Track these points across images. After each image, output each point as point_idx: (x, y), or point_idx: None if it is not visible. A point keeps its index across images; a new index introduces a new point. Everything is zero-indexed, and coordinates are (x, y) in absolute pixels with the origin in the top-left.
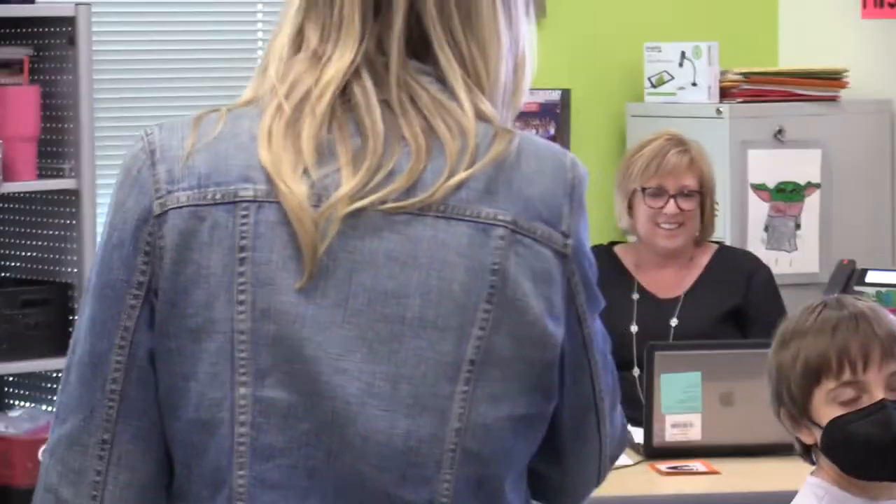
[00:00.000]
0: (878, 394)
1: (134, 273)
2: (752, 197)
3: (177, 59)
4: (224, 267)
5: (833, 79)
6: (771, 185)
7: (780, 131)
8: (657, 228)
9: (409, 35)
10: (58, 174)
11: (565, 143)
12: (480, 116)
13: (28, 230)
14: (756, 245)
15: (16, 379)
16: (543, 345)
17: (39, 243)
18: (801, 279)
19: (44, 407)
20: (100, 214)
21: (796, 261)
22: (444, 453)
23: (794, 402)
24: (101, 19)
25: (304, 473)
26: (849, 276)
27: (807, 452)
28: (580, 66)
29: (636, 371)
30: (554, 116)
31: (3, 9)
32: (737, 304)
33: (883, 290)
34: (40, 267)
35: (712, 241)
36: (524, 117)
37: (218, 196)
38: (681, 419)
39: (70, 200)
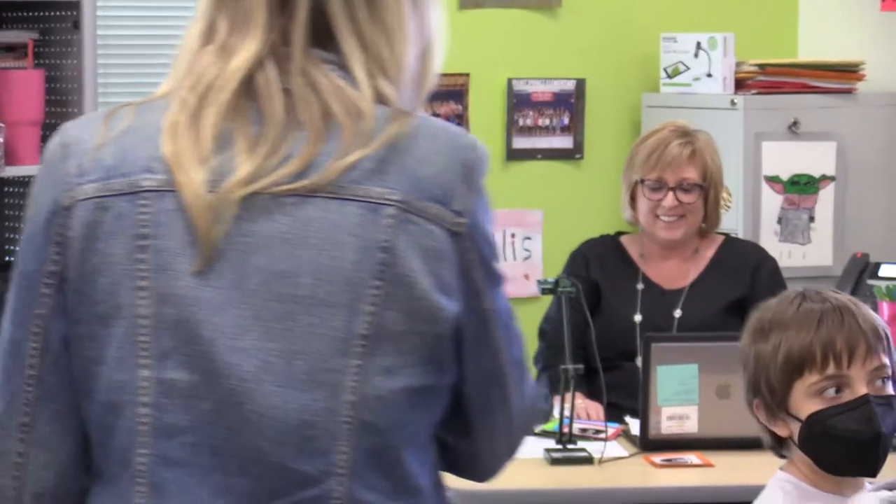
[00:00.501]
0: (861, 389)
1: (45, 263)
2: (766, 189)
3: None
4: (126, 255)
5: (849, 71)
6: (785, 177)
7: (794, 123)
8: (657, 220)
9: (314, 25)
10: None
11: (580, 132)
12: (381, 100)
13: None
14: (769, 237)
15: None
16: (434, 319)
17: None
18: (815, 272)
19: None
20: None
21: (810, 253)
22: (338, 426)
23: (773, 394)
24: (107, 3)
25: (207, 451)
26: (862, 270)
27: (778, 445)
28: (595, 55)
29: (639, 361)
30: (568, 106)
31: None
32: (742, 295)
33: (894, 283)
34: None
35: (719, 233)
36: (538, 107)
37: (121, 187)
38: (677, 411)
39: None
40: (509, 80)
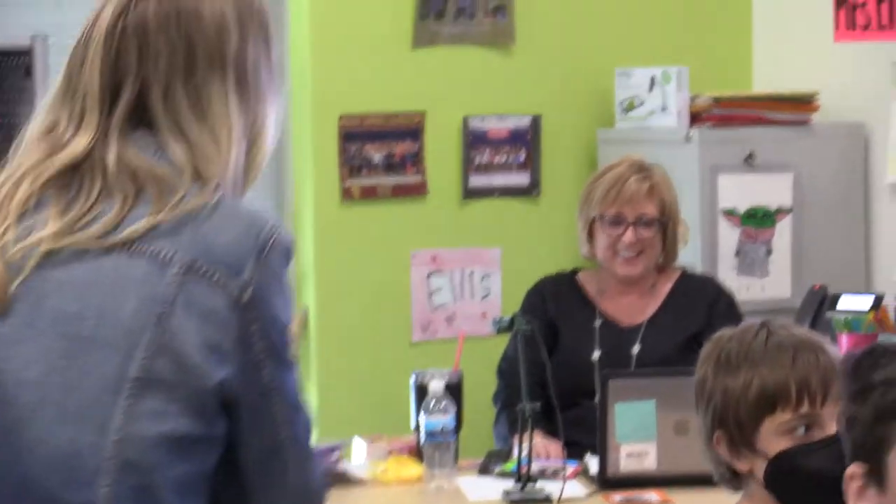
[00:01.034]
0: (832, 428)
1: None
2: (723, 222)
3: None
4: None
5: (804, 102)
6: (741, 210)
7: (750, 156)
8: (616, 256)
9: (142, 120)
10: None
11: (536, 169)
12: (198, 179)
13: None
14: (727, 271)
15: None
16: (199, 375)
17: None
18: (773, 305)
19: None
20: None
21: (768, 286)
22: (103, 461)
23: (741, 429)
24: (59, 50)
25: None
26: (821, 302)
27: (734, 479)
28: (550, 91)
29: (598, 399)
30: (525, 143)
31: None
32: (699, 330)
33: (852, 316)
34: None
35: (676, 268)
36: (495, 144)
37: None
38: (635, 448)
39: None
40: (465, 118)
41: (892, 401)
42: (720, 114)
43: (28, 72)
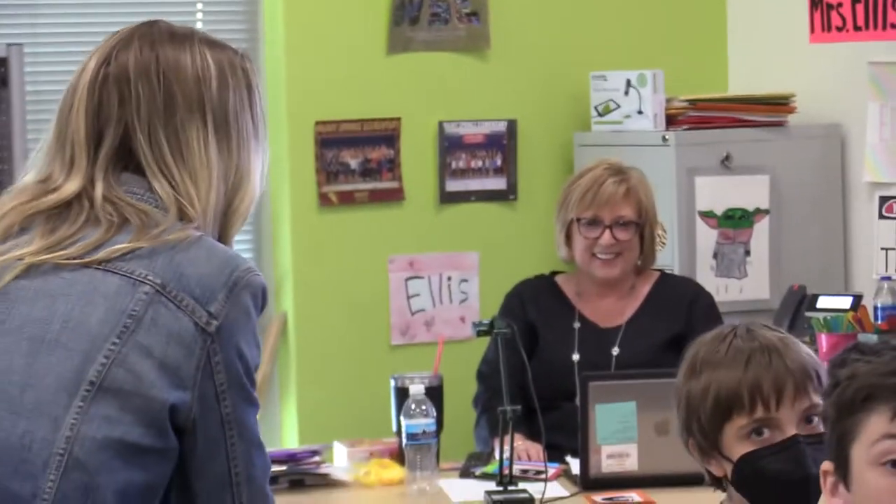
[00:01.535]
0: (791, 430)
1: None
2: (700, 224)
3: None
4: None
5: (780, 104)
6: (719, 212)
7: (727, 158)
8: (593, 258)
9: (128, 162)
10: None
11: (513, 173)
12: (182, 217)
13: None
14: (706, 272)
15: None
16: (153, 392)
17: None
18: (752, 306)
19: None
20: None
21: (747, 287)
22: (52, 456)
23: (705, 436)
24: (35, 59)
25: None
26: (799, 302)
27: (717, 482)
28: (526, 96)
29: (578, 401)
30: (501, 147)
31: None
32: (679, 331)
33: (832, 315)
34: None
35: (654, 269)
36: (470, 149)
37: None
38: (617, 450)
39: None
40: (440, 123)
41: (852, 395)
42: (696, 116)
43: (4, 81)
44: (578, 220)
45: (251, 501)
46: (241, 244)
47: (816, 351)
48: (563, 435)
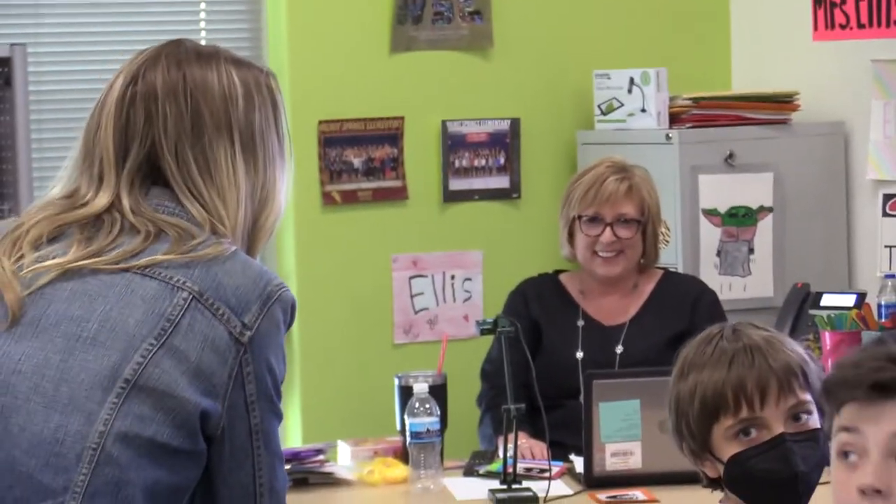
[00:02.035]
0: (778, 428)
1: None
2: (704, 222)
3: None
4: None
5: (784, 102)
6: (722, 210)
7: (730, 156)
8: (595, 256)
9: (155, 180)
10: None
11: (516, 171)
12: (215, 233)
13: None
14: (709, 271)
15: None
16: (186, 395)
17: None
18: (756, 304)
19: None
20: None
21: (750, 285)
22: (85, 450)
23: (694, 438)
24: (38, 59)
25: None
26: (803, 300)
27: (713, 482)
28: (529, 94)
29: (583, 398)
30: (504, 146)
31: None
32: (683, 329)
33: (835, 313)
34: None
35: (658, 268)
36: (474, 147)
37: None
38: (621, 448)
39: None
40: (443, 122)
41: (829, 379)
42: (700, 114)
43: (8, 81)
44: (580, 217)
45: None
46: None
47: (820, 349)
48: (567, 433)
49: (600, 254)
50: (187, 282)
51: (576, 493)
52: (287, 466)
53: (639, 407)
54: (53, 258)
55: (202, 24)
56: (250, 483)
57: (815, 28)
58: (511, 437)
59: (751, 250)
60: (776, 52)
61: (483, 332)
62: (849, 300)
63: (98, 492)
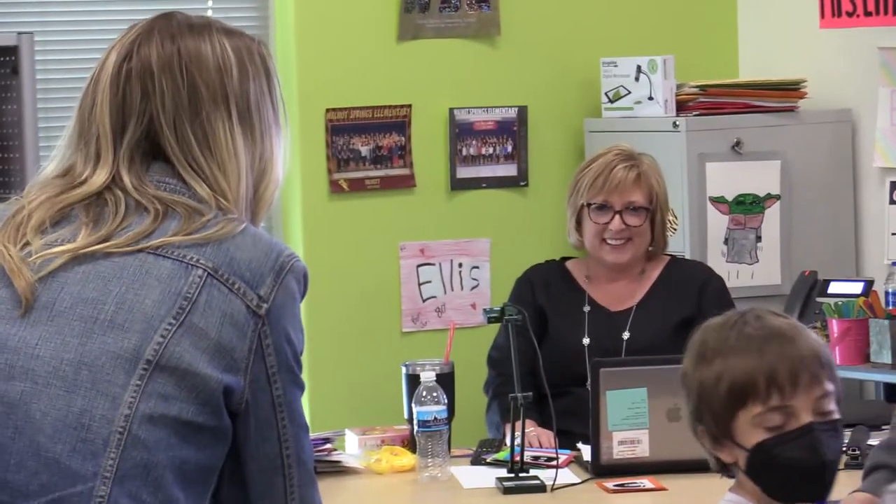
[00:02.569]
0: (806, 417)
1: None
2: (712, 210)
3: None
4: None
5: (791, 89)
6: (730, 197)
7: (738, 143)
8: (604, 244)
9: (154, 157)
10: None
11: (523, 160)
12: (221, 210)
13: None
14: (717, 258)
15: None
16: (210, 370)
17: None
18: (764, 291)
19: None
20: None
21: (758, 273)
22: (112, 434)
23: (717, 423)
24: (46, 47)
25: None
26: (811, 288)
27: (724, 468)
28: (536, 82)
29: (590, 385)
30: (511, 134)
31: None
32: (690, 315)
33: (843, 300)
34: None
35: (665, 254)
36: (481, 135)
37: None
38: (628, 436)
39: None
40: (451, 110)
41: None
42: (707, 102)
43: (15, 70)
44: (589, 205)
45: (301, 484)
46: None
47: (827, 336)
48: (575, 420)
49: (609, 241)
50: (201, 259)
51: (583, 482)
52: None
53: (646, 395)
54: (62, 244)
55: (209, 13)
56: (277, 456)
57: (822, 15)
58: (518, 425)
59: (758, 238)
60: (783, 39)
61: (490, 321)
62: (856, 288)
63: (128, 475)
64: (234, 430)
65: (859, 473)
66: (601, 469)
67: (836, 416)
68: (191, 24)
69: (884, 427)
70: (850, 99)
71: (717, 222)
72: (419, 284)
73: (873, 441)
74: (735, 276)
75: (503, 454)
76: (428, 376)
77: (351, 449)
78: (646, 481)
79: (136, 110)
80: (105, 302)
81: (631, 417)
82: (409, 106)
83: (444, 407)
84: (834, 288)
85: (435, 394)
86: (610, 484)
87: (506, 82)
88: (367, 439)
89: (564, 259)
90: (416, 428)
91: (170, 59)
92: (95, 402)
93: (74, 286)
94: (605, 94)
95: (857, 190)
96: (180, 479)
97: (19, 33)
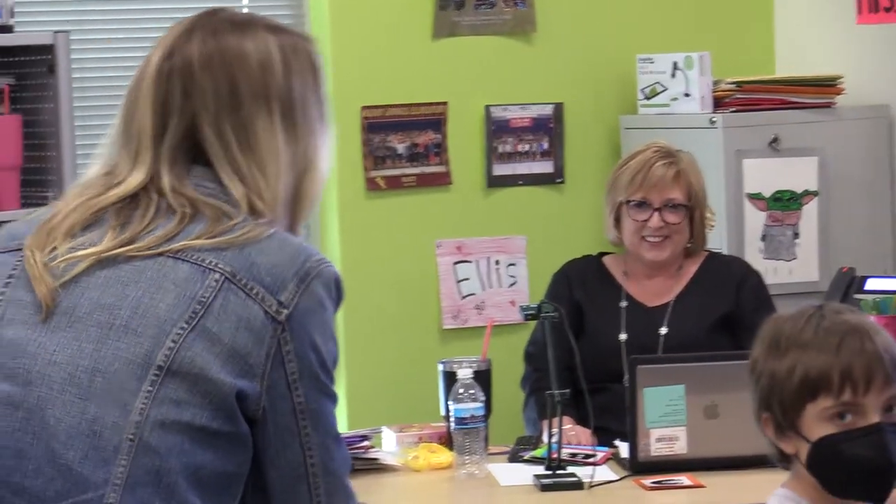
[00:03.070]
0: (874, 417)
1: None
2: (749, 207)
3: None
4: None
5: (828, 85)
6: (767, 194)
7: (775, 140)
8: (643, 241)
9: (195, 155)
10: (41, 203)
11: (560, 156)
12: (253, 212)
13: None
14: (754, 254)
15: None
16: (222, 375)
17: None
18: (801, 288)
19: None
20: None
21: (795, 269)
22: (122, 441)
23: (784, 413)
24: (81, 46)
25: (12, 454)
26: (848, 284)
27: (783, 459)
28: (572, 79)
29: (627, 381)
30: (547, 131)
31: None
32: (728, 311)
33: (881, 297)
34: None
35: (703, 250)
36: (517, 132)
37: (10, 246)
38: (666, 433)
39: None
40: (487, 107)
41: None
42: (743, 98)
43: (51, 69)
44: (628, 202)
45: (329, 493)
46: None
47: None
48: (612, 417)
49: (648, 238)
50: (219, 263)
51: (621, 479)
52: None
53: (683, 392)
54: (87, 248)
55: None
56: (300, 464)
57: (859, 11)
58: (555, 422)
59: (796, 234)
60: (820, 35)
61: (527, 318)
62: (894, 284)
63: (139, 482)
64: (254, 437)
65: None
66: (639, 466)
67: None
68: (234, 21)
69: None
70: (887, 95)
71: (755, 219)
72: (457, 282)
73: None
74: (772, 273)
75: (540, 451)
76: (465, 374)
77: (388, 446)
78: (683, 478)
79: (178, 109)
80: (121, 307)
81: (668, 414)
82: (445, 103)
83: (482, 404)
84: (871, 284)
85: (472, 391)
86: (647, 481)
87: (542, 79)
88: (404, 436)
89: (602, 254)
90: (453, 425)
91: (211, 57)
92: (108, 409)
93: (95, 291)
94: (642, 90)
95: (894, 186)
96: (196, 485)
97: (55, 32)
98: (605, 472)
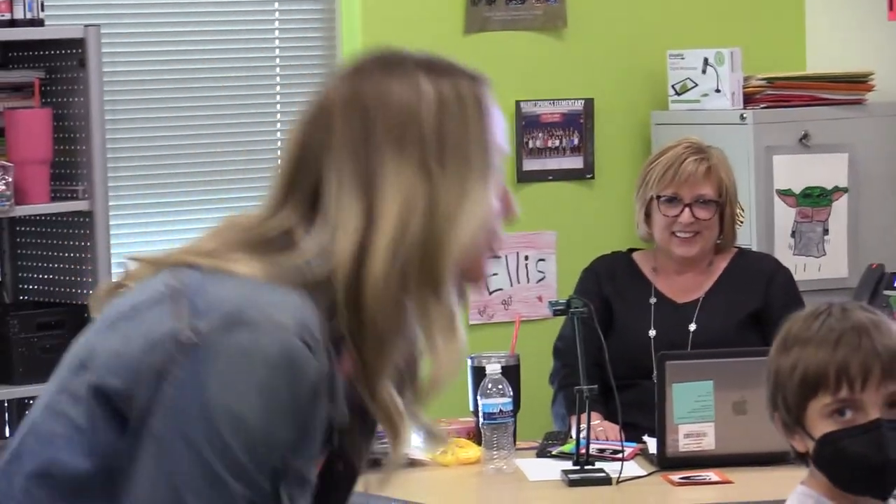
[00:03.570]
0: (874, 413)
1: None
2: (779, 203)
3: (188, 78)
4: None
5: (858, 82)
6: (797, 190)
7: (805, 136)
8: (673, 237)
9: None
10: (71, 196)
11: (590, 152)
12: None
13: (42, 252)
14: (784, 251)
15: (32, 402)
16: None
17: (54, 265)
18: (830, 284)
19: None
20: (114, 236)
21: (825, 266)
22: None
23: (789, 411)
24: (112, 40)
25: None
26: (878, 281)
27: (801, 457)
28: (603, 74)
29: (655, 377)
30: (578, 126)
31: (14, 32)
32: (757, 307)
33: None
34: (56, 289)
35: (733, 247)
36: (548, 128)
37: None
38: (694, 429)
39: (84, 222)
40: (517, 103)
41: None
42: (774, 94)
43: (82, 63)
44: (658, 197)
45: None
46: None
47: None
48: (641, 413)
49: (678, 234)
50: (180, 278)
51: (649, 474)
52: None
53: (712, 388)
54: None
55: (276, 5)
56: (143, 494)
57: (891, 7)
58: (584, 418)
59: (825, 231)
60: (851, 31)
61: (556, 314)
62: None
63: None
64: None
65: None
66: (667, 462)
67: None
68: (385, 61)
69: None
70: None
71: (784, 215)
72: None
73: None
74: (802, 270)
75: (569, 447)
76: (493, 369)
77: (416, 441)
78: (711, 474)
79: (313, 155)
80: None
81: (697, 410)
82: None
83: (510, 399)
84: None
85: (500, 386)
86: (676, 477)
87: (572, 75)
88: None
89: (631, 250)
90: (481, 420)
91: (349, 98)
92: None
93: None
94: (672, 86)
95: None
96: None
97: (86, 26)
98: (633, 468)
